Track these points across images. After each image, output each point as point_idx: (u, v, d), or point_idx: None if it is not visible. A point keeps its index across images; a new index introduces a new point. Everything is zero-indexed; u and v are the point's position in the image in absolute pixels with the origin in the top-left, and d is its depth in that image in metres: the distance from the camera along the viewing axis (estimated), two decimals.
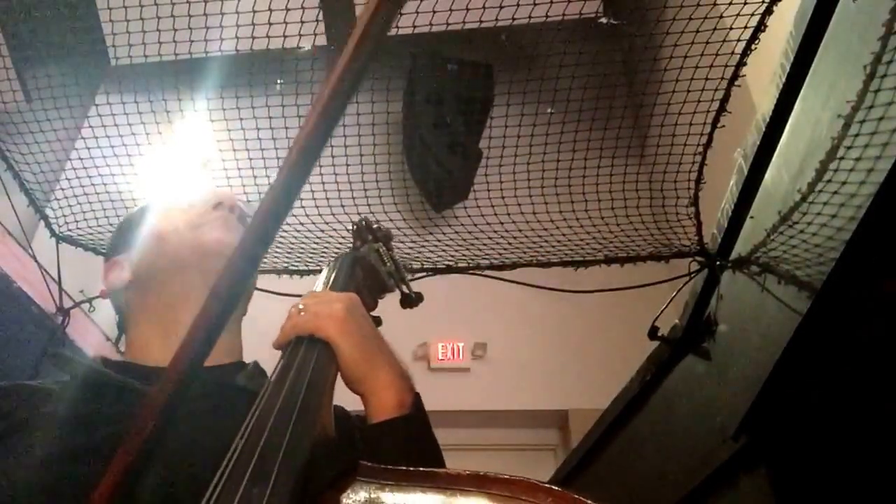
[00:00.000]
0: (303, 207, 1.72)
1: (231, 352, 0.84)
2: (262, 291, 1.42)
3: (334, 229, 1.74)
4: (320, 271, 0.89)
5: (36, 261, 1.83)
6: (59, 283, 1.86)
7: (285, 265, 1.82)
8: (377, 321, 0.84)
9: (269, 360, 0.68)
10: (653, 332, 1.49)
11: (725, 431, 1.16)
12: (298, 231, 1.76)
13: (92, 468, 0.53)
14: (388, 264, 0.93)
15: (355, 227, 1.02)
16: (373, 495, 0.45)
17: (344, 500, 0.45)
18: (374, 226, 1.01)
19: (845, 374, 1.07)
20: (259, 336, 0.87)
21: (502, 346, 3.34)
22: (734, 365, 1.21)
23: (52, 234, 1.86)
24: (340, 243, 1.77)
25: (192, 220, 0.87)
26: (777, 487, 1.05)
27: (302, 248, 1.79)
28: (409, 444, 0.63)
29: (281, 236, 1.78)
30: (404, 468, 0.47)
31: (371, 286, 0.91)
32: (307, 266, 1.83)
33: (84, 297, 2.03)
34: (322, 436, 0.54)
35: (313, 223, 1.71)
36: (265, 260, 1.79)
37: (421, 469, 0.46)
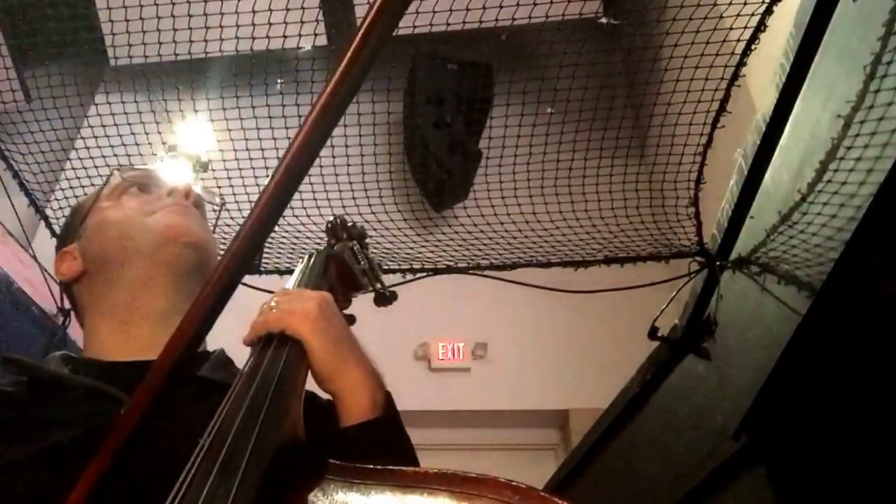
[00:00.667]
0: (304, 208, 1.73)
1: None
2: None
3: (318, 220, 1.73)
4: None
5: (36, 261, 1.84)
6: (60, 283, 1.86)
7: (287, 266, 1.82)
8: (351, 320, 0.83)
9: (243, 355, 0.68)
10: (653, 332, 1.49)
11: (726, 431, 1.16)
12: (300, 231, 1.76)
13: (57, 473, 0.53)
14: (363, 262, 0.93)
15: (329, 224, 1.01)
16: (341, 494, 0.45)
17: (311, 499, 0.45)
18: (349, 223, 1.01)
19: (845, 374, 1.07)
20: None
21: (502, 346, 3.34)
22: (734, 365, 1.22)
23: (53, 234, 1.86)
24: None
25: (145, 206, 0.84)
26: (777, 486, 1.05)
27: (303, 248, 1.79)
28: (383, 446, 0.63)
29: (282, 236, 1.78)
30: (373, 467, 0.46)
31: (345, 284, 0.90)
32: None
33: None
34: (291, 434, 0.54)
35: (314, 223, 1.71)
36: (266, 260, 1.79)
37: (389, 468, 0.46)
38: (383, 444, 0.63)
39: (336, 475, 0.46)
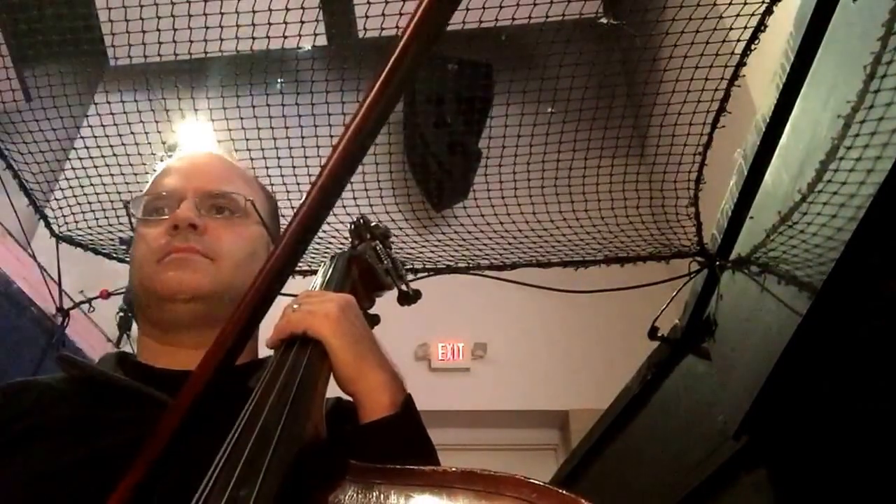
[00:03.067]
0: None
1: (246, 352, 0.83)
2: None
3: (336, 229, 1.74)
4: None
5: (36, 261, 1.84)
6: (59, 284, 1.86)
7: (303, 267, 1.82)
8: (375, 319, 0.84)
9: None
10: (653, 332, 1.49)
11: (726, 431, 1.16)
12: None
13: (108, 475, 0.54)
14: (386, 262, 0.92)
15: (352, 225, 1.01)
16: (361, 495, 0.45)
17: (332, 500, 0.45)
18: (372, 224, 1.00)
19: (845, 375, 1.07)
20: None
21: (502, 346, 3.34)
22: (734, 365, 1.21)
23: (52, 234, 1.86)
24: (342, 243, 1.76)
25: (154, 250, 0.81)
26: (777, 487, 1.05)
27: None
28: (399, 442, 0.63)
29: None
30: (392, 467, 0.47)
31: (368, 284, 0.90)
32: (309, 266, 1.83)
33: (84, 297, 2.03)
34: (313, 435, 0.55)
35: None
36: None
37: (409, 468, 0.46)
38: (400, 441, 0.63)
39: (357, 476, 0.47)
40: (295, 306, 0.68)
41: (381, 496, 0.44)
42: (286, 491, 0.44)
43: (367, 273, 0.90)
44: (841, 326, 1.00)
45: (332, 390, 0.68)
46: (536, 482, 0.41)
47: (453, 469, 0.44)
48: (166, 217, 0.82)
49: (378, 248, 0.94)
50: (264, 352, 0.82)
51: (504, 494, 0.41)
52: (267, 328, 0.69)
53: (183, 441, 0.49)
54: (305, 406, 0.55)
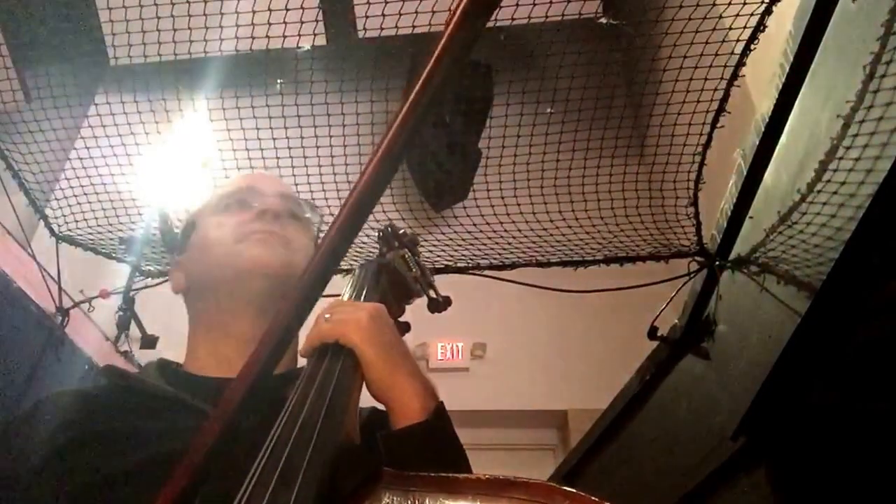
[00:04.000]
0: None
1: (285, 361, 0.84)
2: None
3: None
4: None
5: (36, 261, 1.83)
6: (59, 283, 1.86)
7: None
8: (406, 327, 0.85)
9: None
10: (652, 332, 1.49)
11: (724, 431, 1.16)
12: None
13: (147, 486, 0.54)
14: (414, 270, 0.93)
15: (380, 233, 1.02)
16: (395, 502, 0.45)
17: None
18: (400, 231, 1.01)
19: (845, 375, 1.07)
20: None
21: (502, 346, 3.35)
22: (733, 365, 1.22)
23: (52, 233, 1.86)
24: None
25: (236, 232, 0.85)
26: (776, 487, 1.05)
27: None
28: (430, 449, 0.64)
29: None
30: (426, 474, 0.47)
31: (397, 293, 0.91)
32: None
33: (83, 297, 2.03)
34: (347, 443, 0.55)
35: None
36: None
37: (442, 475, 0.47)
38: (431, 447, 0.64)
39: (391, 483, 0.47)
40: (326, 316, 0.69)
41: (416, 503, 0.45)
42: (322, 498, 0.45)
43: (397, 281, 0.91)
44: (840, 326, 1.00)
45: (368, 400, 0.69)
46: (568, 489, 0.41)
47: (486, 476, 0.45)
48: (254, 208, 0.87)
49: (406, 255, 0.94)
50: (303, 362, 0.83)
51: (537, 501, 0.41)
52: (303, 338, 0.70)
53: (223, 448, 0.50)
54: (339, 414, 0.56)
